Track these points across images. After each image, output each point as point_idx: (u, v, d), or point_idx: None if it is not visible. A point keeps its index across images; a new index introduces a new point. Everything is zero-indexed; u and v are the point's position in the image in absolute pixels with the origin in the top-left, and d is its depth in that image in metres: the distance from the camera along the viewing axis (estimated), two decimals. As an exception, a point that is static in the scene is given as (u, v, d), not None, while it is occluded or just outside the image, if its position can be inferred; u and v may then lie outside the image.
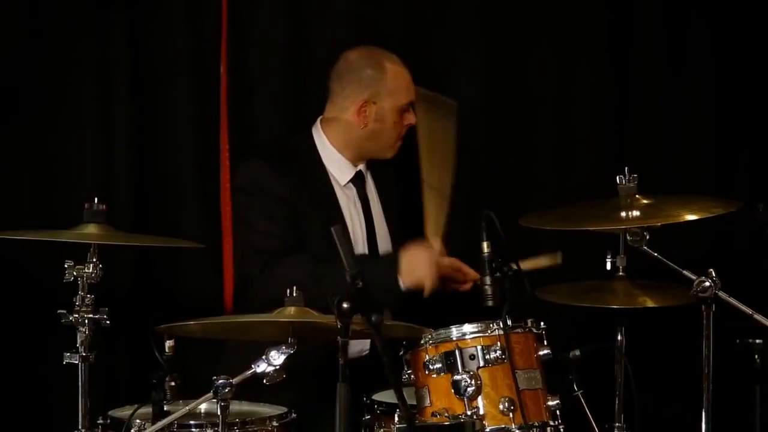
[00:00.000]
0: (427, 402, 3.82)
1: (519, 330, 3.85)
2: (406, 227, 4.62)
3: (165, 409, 3.79)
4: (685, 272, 3.88)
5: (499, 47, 5.28)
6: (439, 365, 3.81)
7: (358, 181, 4.58)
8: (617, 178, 4.08)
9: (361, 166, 4.59)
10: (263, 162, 4.53)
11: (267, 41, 5.08)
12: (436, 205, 4.45)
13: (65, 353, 3.87)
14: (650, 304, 4.18)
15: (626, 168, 4.08)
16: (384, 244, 4.57)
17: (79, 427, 3.86)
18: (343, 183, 4.56)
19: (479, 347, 3.80)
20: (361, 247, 4.51)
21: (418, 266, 4.32)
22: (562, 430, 3.82)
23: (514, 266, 3.93)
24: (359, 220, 4.55)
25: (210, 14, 4.91)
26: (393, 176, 4.69)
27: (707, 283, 3.80)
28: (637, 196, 4.06)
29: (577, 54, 5.29)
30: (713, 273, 3.82)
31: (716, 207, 4.05)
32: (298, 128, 4.69)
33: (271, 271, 4.35)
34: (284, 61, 5.10)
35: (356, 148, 4.55)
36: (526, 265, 4.14)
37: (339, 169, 4.56)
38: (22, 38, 4.88)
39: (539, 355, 3.86)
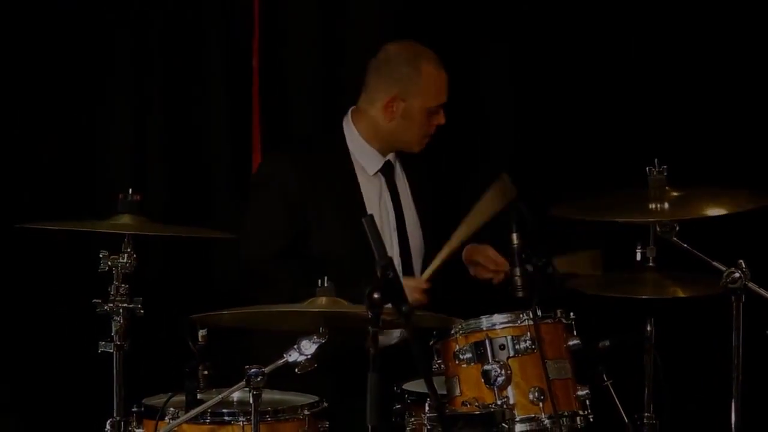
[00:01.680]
0: (457, 391, 3.84)
1: (549, 320, 3.85)
2: (437, 217, 4.59)
3: (198, 397, 3.80)
4: (714, 263, 3.92)
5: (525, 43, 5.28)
6: (469, 355, 3.82)
7: (387, 170, 4.54)
8: (647, 169, 4.06)
9: (390, 156, 4.54)
10: (283, 154, 4.53)
11: (299, 34, 5.08)
12: (443, 255, 4.40)
13: (100, 342, 3.89)
14: (680, 294, 4.16)
15: (656, 160, 4.07)
16: (414, 231, 4.53)
17: (114, 415, 3.88)
18: (371, 173, 4.52)
19: (509, 337, 3.81)
20: (389, 235, 4.47)
21: None
22: (591, 419, 3.83)
23: (551, 267, 3.91)
24: (387, 209, 4.52)
25: (243, 8, 4.92)
26: (425, 166, 4.64)
27: (737, 274, 3.81)
28: (666, 187, 4.05)
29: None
30: (743, 264, 3.82)
31: (747, 201, 4.01)
32: (329, 120, 4.67)
33: (253, 274, 4.38)
34: (317, 54, 5.10)
35: (383, 141, 4.52)
36: (564, 266, 4.11)
37: (367, 159, 4.52)
38: (63, 34, 4.90)
39: (569, 345, 3.86)
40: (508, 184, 4.25)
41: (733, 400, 3.85)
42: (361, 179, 4.49)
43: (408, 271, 4.45)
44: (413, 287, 4.29)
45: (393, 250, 4.44)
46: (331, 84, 5.05)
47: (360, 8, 5.10)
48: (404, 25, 5.03)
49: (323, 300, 3.76)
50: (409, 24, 5.08)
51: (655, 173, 4.04)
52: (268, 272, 4.35)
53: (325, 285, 3.76)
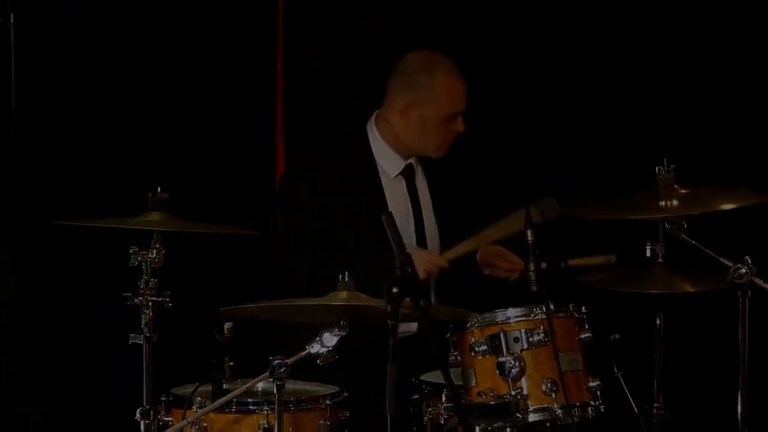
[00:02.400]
0: (473, 382, 3.84)
1: (561, 314, 3.86)
2: (455, 220, 4.60)
3: (224, 387, 3.81)
4: (721, 259, 3.90)
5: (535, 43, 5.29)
6: (484, 347, 3.83)
7: (407, 173, 4.56)
8: (656, 169, 4.04)
9: (412, 160, 4.56)
10: (310, 155, 4.57)
11: (322, 33, 5.13)
12: (467, 245, 4.42)
13: (130, 334, 3.92)
14: (688, 289, 4.16)
15: (664, 159, 4.05)
16: (432, 233, 4.55)
17: (144, 404, 3.90)
18: (392, 175, 4.54)
19: (523, 330, 3.82)
20: (408, 236, 4.46)
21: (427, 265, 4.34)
22: (602, 410, 3.83)
23: (563, 263, 3.89)
24: (407, 211, 4.53)
25: (266, 7, 4.95)
26: (446, 171, 4.64)
27: (743, 270, 3.80)
28: (675, 186, 4.03)
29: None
30: (749, 260, 3.81)
31: (752, 197, 4.00)
32: (352, 120, 4.73)
33: (278, 263, 4.41)
34: (337, 53, 5.15)
35: (402, 145, 4.54)
36: (576, 262, 4.13)
37: (389, 162, 4.54)
38: (88, 37, 4.91)
39: (580, 338, 3.87)
40: (554, 206, 4.22)
41: (739, 392, 3.84)
42: (384, 181, 4.52)
43: None
44: (432, 261, 4.32)
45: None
46: (353, 84, 5.09)
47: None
48: (416, 27, 5.09)
49: (344, 294, 3.77)
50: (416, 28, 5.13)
51: (663, 172, 4.03)
52: (296, 266, 4.36)
53: (346, 280, 3.77)
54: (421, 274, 4.25)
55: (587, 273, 4.24)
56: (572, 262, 4.03)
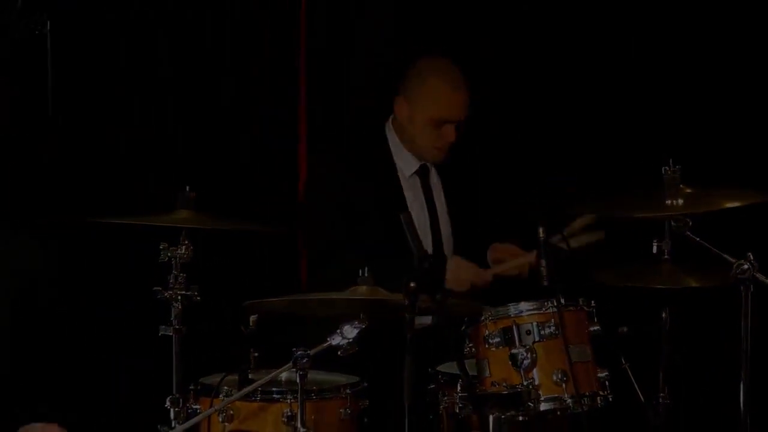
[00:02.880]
0: (487, 373, 3.87)
1: (571, 308, 3.87)
2: (469, 220, 4.63)
3: (249, 377, 3.86)
4: (725, 256, 3.87)
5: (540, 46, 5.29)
6: (498, 339, 3.85)
7: (422, 173, 4.60)
8: (662, 169, 4.04)
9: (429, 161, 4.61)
10: (333, 155, 4.61)
11: (345, 29, 5.17)
12: (516, 263, 4.47)
13: (160, 326, 3.96)
14: (693, 284, 4.14)
15: (670, 160, 4.05)
16: (446, 230, 4.59)
17: (173, 392, 3.95)
18: (407, 174, 4.58)
19: (535, 323, 3.84)
20: (423, 233, 4.48)
21: (459, 276, 4.39)
22: (610, 399, 3.85)
23: (564, 245, 3.98)
24: (423, 209, 4.57)
25: (290, 4, 4.98)
26: (460, 171, 4.67)
27: (746, 266, 3.79)
28: (680, 185, 4.03)
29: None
30: (751, 256, 3.80)
31: (754, 196, 4.02)
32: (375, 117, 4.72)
33: (322, 266, 4.46)
34: (363, 48, 5.21)
35: (408, 145, 4.58)
36: (575, 242, 4.19)
37: (404, 161, 4.59)
38: (123, 39, 4.92)
39: (590, 330, 3.89)
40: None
41: (741, 382, 3.82)
42: (402, 179, 4.57)
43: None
44: (479, 275, 4.36)
45: (426, 247, 4.25)
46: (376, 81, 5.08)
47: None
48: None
49: (363, 288, 3.78)
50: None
51: (669, 173, 4.02)
52: (330, 261, 4.42)
53: (365, 275, 3.80)
54: (464, 285, 4.36)
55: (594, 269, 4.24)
56: (572, 242, 4.10)
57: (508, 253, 4.53)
